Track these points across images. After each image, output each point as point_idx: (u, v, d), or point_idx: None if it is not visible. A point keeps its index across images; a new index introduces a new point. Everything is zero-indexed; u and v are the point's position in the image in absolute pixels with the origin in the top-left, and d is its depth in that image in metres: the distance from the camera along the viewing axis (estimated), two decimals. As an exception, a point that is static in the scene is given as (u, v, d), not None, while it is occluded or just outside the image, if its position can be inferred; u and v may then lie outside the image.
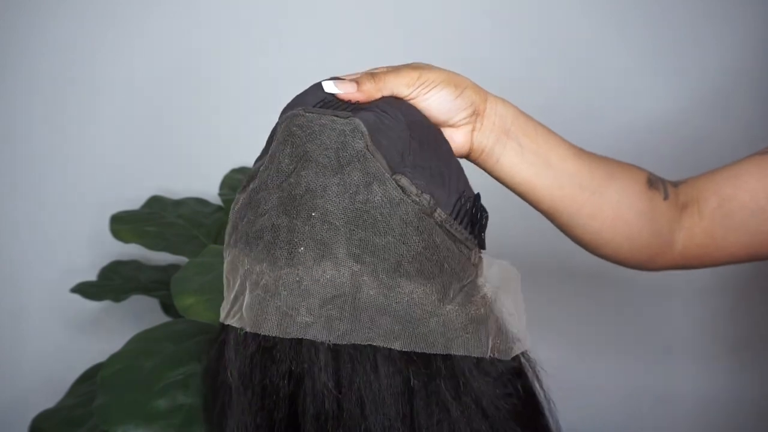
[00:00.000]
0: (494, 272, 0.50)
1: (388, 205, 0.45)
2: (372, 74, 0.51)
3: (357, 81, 0.50)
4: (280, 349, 0.44)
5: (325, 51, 1.17)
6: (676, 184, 0.64)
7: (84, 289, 1.05)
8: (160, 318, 1.10)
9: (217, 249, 0.93)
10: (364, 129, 0.46)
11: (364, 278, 0.44)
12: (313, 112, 0.47)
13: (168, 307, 1.12)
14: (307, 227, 0.44)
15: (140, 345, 0.86)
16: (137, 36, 1.18)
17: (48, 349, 1.26)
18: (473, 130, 0.56)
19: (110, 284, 1.09)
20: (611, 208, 0.59)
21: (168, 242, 1.05)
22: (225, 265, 0.50)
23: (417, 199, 0.46)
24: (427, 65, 0.54)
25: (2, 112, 1.19)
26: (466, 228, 0.49)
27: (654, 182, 0.62)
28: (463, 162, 0.58)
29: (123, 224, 1.06)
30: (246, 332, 0.45)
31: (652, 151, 1.11)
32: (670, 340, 1.27)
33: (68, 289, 1.05)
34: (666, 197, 0.62)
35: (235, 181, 1.16)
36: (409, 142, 0.49)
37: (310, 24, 1.18)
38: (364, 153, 0.46)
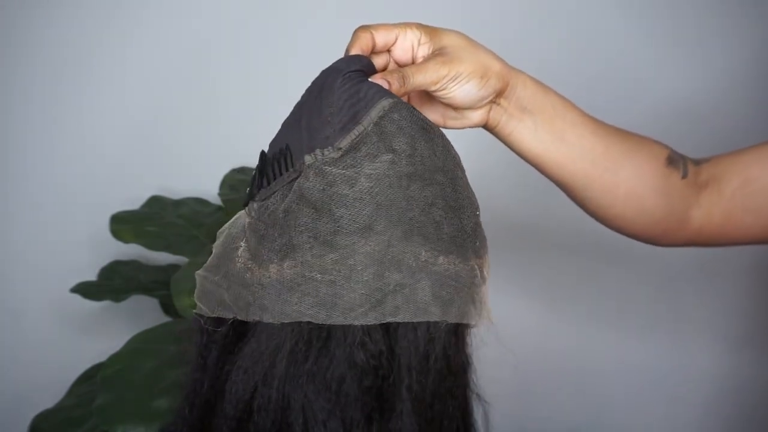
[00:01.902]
0: None
1: None
2: (401, 75, 0.51)
3: (388, 81, 0.50)
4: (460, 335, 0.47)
5: (325, 51, 1.17)
6: (698, 163, 0.63)
7: (84, 289, 1.05)
8: (160, 318, 1.10)
9: (217, 249, 0.93)
10: None
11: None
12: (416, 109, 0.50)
13: (168, 307, 1.12)
14: (476, 222, 0.49)
15: (140, 345, 0.86)
16: (137, 35, 1.18)
17: (48, 349, 1.26)
18: (490, 110, 0.58)
19: (110, 284, 1.08)
20: (624, 185, 0.60)
21: (168, 242, 1.05)
22: (365, 254, 0.44)
23: None
24: (458, 50, 0.54)
25: (1, 112, 1.19)
26: None
27: (674, 160, 0.62)
28: (477, 130, 0.61)
29: (123, 224, 1.06)
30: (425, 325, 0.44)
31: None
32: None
33: (68, 289, 1.05)
34: (684, 175, 0.62)
35: (235, 181, 1.16)
36: None
37: (311, 24, 1.18)
38: None
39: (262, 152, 0.50)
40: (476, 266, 0.47)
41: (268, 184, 0.47)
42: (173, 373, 0.82)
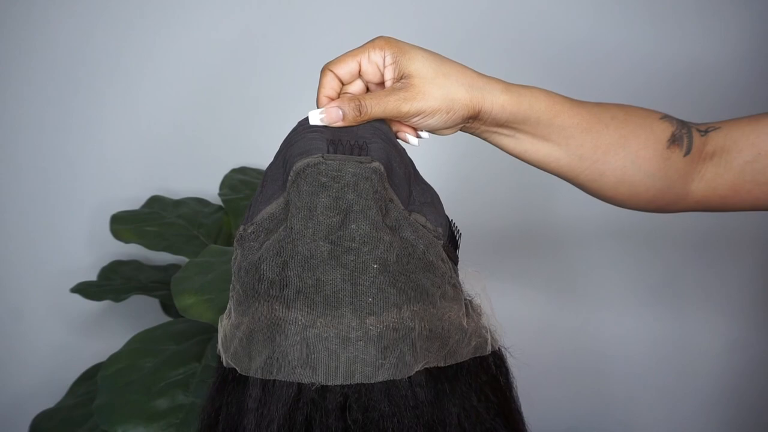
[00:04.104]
0: (467, 279, 0.54)
1: (426, 246, 0.48)
2: (358, 106, 0.51)
3: (343, 111, 0.50)
4: (331, 395, 0.45)
5: (324, 52, 1.17)
6: (706, 132, 0.61)
7: (84, 289, 1.05)
8: (160, 318, 1.10)
9: (217, 249, 0.93)
10: (384, 171, 0.49)
11: (422, 314, 0.47)
12: (335, 159, 0.48)
13: (168, 307, 1.12)
14: (370, 279, 0.46)
15: (140, 345, 0.86)
16: (136, 37, 1.18)
17: (48, 349, 1.26)
18: (463, 126, 0.57)
19: (110, 284, 1.08)
20: (613, 174, 0.59)
21: (168, 242, 1.05)
22: (248, 318, 0.48)
23: (435, 234, 0.50)
24: (424, 82, 0.52)
25: (2, 112, 1.19)
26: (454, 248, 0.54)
27: (677, 138, 0.60)
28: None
29: (123, 224, 1.06)
30: (295, 384, 0.45)
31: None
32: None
33: (68, 289, 1.05)
34: (688, 152, 0.60)
35: (235, 181, 1.16)
36: (410, 176, 0.52)
37: (309, 25, 1.18)
38: (392, 197, 0.49)
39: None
40: (374, 323, 0.50)
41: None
42: (173, 373, 0.82)
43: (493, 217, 1.23)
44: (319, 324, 0.45)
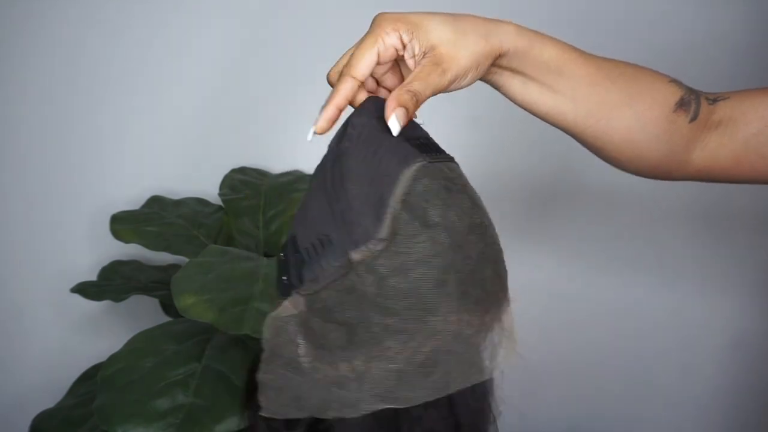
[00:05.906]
0: None
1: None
2: (413, 95, 0.49)
3: (405, 108, 0.48)
4: None
5: (323, 51, 1.17)
6: (714, 101, 0.60)
7: (84, 289, 1.05)
8: (160, 318, 1.10)
9: (217, 249, 0.93)
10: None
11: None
12: (437, 160, 0.48)
13: (168, 307, 1.12)
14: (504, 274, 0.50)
15: (140, 345, 0.86)
16: (135, 39, 1.18)
17: (48, 349, 1.26)
18: (479, 75, 0.56)
19: (110, 284, 1.08)
20: (618, 133, 0.58)
21: (168, 242, 1.05)
22: (427, 334, 0.45)
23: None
24: (450, 47, 0.50)
25: (3, 112, 1.19)
26: None
27: (685, 103, 0.58)
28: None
29: (123, 224, 1.06)
30: None
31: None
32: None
33: (68, 289, 1.05)
34: (694, 119, 0.58)
35: (235, 181, 1.16)
36: None
37: (309, 24, 1.18)
38: None
39: (293, 237, 0.48)
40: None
41: (315, 276, 0.46)
42: (173, 373, 0.82)
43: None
44: (487, 320, 0.48)
